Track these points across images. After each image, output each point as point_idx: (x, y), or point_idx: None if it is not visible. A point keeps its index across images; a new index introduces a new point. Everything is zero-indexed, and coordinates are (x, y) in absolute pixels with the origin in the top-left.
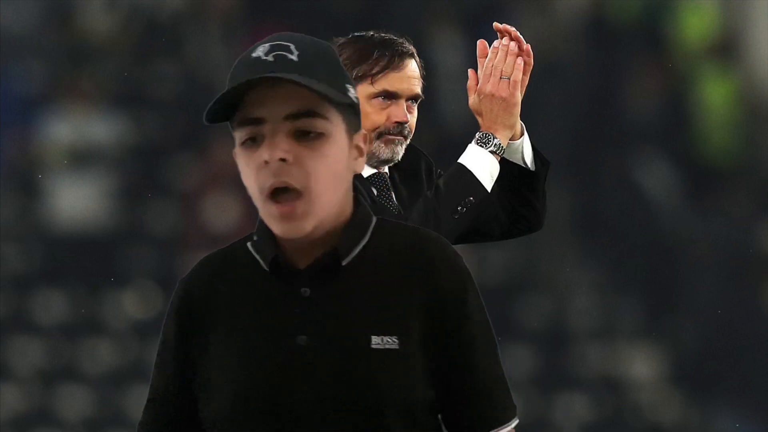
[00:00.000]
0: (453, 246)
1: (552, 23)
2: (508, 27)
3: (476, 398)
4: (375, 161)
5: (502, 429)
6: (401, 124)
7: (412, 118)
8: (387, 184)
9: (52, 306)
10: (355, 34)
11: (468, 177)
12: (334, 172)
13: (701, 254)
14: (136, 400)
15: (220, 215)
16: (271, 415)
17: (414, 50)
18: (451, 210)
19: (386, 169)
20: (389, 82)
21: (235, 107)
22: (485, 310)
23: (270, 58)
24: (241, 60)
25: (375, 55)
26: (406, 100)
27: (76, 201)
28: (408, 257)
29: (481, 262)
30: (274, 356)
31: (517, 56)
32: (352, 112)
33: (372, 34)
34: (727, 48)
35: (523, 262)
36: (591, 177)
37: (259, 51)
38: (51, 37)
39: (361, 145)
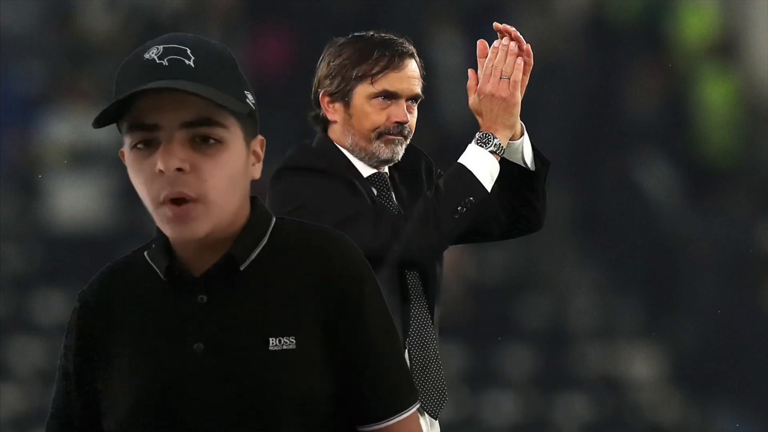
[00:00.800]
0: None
1: (552, 23)
2: (508, 27)
3: (374, 388)
4: (375, 161)
5: (401, 415)
6: (401, 124)
7: (412, 118)
8: (387, 184)
9: (52, 306)
10: (355, 34)
11: (468, 177)
12: (230, 180)
13: (701, 254)
14: None
15: None
16: (170, 423)
17: (414, 50)
18: (451, 210)
19: (386, 169)
20: (389, 82)
21: (122, 108)
22: (384, 303)
23: (165, 62)
24: (133, 60)
25: (375, 55)
26: (406, 100)
27: (76, 201)
28: (305, 256)
29: (481, 262)
30: (172, 365)
31: (517, 56)
32: (249, 118)
33: (372, 34)
34: (727, 48)
35: (523, 262)
36: (591, 177)
37: (153, 53)
38: (51, 37)
39: (258, 150)
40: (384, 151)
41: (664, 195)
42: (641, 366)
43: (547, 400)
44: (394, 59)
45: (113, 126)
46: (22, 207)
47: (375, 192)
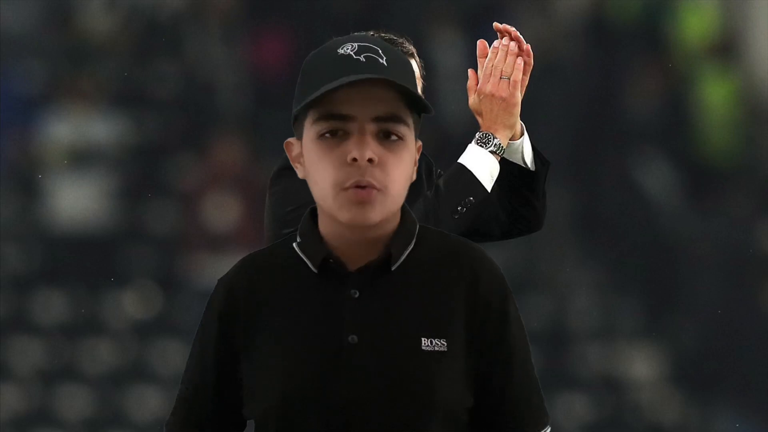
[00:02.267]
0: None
1: (552, 23)
2: (508, 27)
3: (513, 405)
4: None
5: None
6: None
7: None
8: None
9: (52, 306)
10: (355, 34)
11: (468, 177)
12: (405, 177)
13: (701, 254)
14: (136, 400)
15: (220, 215)
16: (321, 411)
17: (414, 50)
18: (451, 210)
19: None
20: None
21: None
22: (521, 318)
23: (362, 58)
24: (326, 55)
25: None
26: None
27: (76, 201)
28: (451, 264)
29: None
30: (325, 354)
31: (517, 56)
32: (419, 120)
33: (372, 34)
34: (727, 48)
35: (523, 262)
36: (591, 177)
37: (348, 49)
38: (51, 37)
39: (416, 155)
40: None
41: (664, 195)
42: (641, 366)
43: (547, 400)
44: None
45: (112, 126)
46: (22, 207)
47: None
